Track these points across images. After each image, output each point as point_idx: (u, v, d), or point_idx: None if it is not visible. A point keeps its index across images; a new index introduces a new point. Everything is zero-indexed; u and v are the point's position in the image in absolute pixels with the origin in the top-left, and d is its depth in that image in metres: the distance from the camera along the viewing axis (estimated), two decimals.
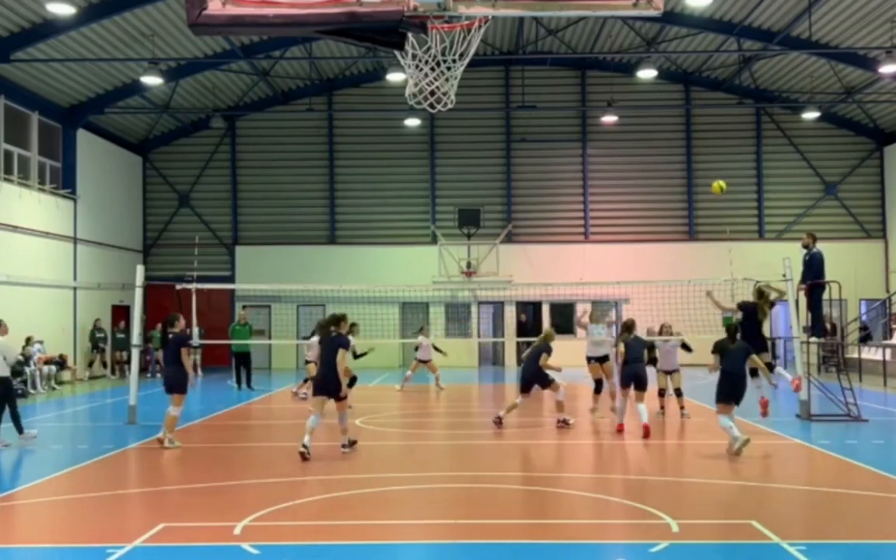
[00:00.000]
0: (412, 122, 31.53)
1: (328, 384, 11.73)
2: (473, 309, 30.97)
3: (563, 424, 14.48)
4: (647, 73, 28.84)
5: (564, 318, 28.94)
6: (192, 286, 17.58)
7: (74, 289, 26.89)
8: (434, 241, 31.78)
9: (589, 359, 16.27)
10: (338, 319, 12.17)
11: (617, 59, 31.05)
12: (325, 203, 32.66)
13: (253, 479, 10.74)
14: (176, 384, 12.56)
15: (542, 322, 30.55)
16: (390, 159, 32.44)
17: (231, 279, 30.93)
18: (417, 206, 32.51)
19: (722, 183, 17.93)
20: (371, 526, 8.31)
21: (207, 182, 32.77)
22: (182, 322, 13.24)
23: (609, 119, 31.07)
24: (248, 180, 32.82)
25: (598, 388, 16.16)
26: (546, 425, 15.11)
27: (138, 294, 16.74)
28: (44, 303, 24.86)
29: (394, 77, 25.80)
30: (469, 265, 31.09)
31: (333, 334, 11.89)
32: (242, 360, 22.67)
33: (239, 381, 22.66)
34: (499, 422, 14.57)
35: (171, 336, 12.85)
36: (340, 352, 11.65)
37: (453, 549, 7.58)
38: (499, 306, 32.21)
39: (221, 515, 8.62)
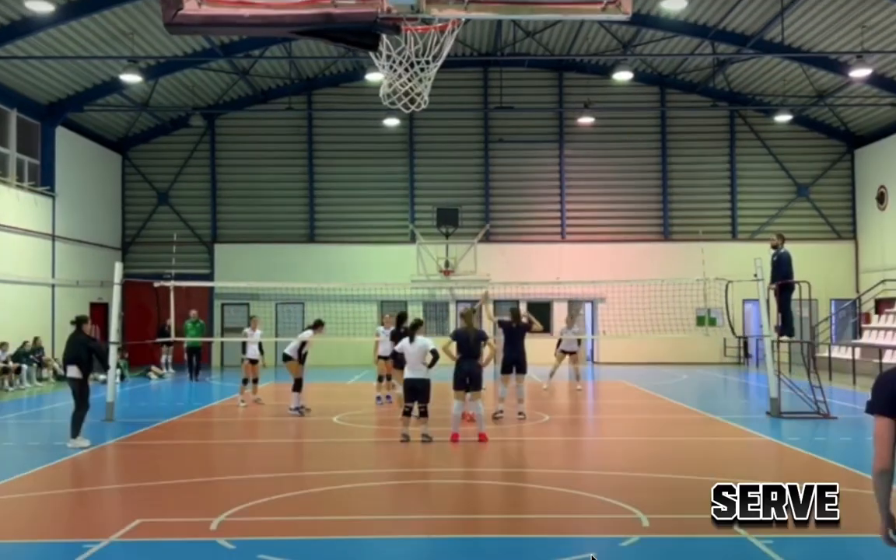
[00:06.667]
0: (391, 122, 31.62)
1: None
2: (451, 307, 31.20)
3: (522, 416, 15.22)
4: (623, 76, 29.16)
5: (541, 317, 29.21)
6: (171, 283, 17.74)
7: (53, 286, 26.88)
8: (413, 240, 31.97)
9: None
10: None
11: (593, 61, 31.34)
12: (304, 202, 32.76)
13: (230, 475, 10.80)
14: None
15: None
16: (369, 159, 32.57)
17: (210, 277, 30.95)
18: (396, 206, 32.67)
19: None
20: (346, 521, 8.38)
21: (186, 180, 32.77)
22: None
23: (586, 120, 31.35)
24: (227, 179, 32.85)
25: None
26: (518, 421, 15.34)
27: (116, 291, 16.79)
28: (21, 299, 24.84)
29: (373, 77, 25.94)
30: (447, 264, 31.29)
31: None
32: (194, 353, 25.64)
33: (191, 372, 25.50)
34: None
35: None
36: None
37: (426, 543, 7.67)
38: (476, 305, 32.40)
39: (198, 511, 8.68)
